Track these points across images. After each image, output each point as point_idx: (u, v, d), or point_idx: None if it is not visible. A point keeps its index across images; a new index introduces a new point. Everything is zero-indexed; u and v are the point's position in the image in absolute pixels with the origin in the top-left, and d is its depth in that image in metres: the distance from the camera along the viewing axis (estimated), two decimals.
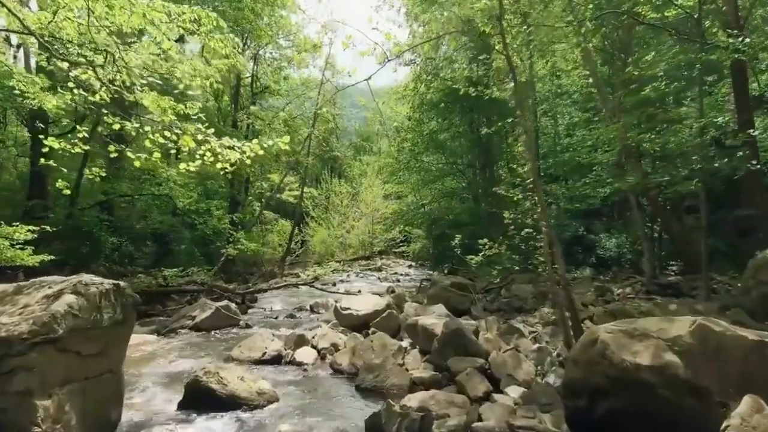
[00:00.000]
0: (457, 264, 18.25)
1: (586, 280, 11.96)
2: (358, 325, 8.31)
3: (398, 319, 8.32)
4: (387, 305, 8.63)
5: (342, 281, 19.53)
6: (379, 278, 19.99)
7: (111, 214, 17.07)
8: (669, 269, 12.17)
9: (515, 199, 6.79)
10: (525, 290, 10.64)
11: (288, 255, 26.39)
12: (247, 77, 26.38)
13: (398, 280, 19.42)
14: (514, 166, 9.94)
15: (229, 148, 4.16)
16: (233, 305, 9.97)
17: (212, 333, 9.00)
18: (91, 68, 4.03)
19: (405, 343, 7.36)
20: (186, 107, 4.56)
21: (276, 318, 11.58)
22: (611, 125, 8.88)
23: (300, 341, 7.36)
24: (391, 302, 9.27)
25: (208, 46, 5.26)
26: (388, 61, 6.02)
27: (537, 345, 6.17)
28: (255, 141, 4.27)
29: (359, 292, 15.65)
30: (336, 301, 13.25)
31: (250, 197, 28.16)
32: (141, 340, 8.20)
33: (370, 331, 7.84)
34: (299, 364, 6.71)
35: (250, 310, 12.79)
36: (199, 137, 4.10)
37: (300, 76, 29.92)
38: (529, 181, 6.35)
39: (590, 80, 15.23)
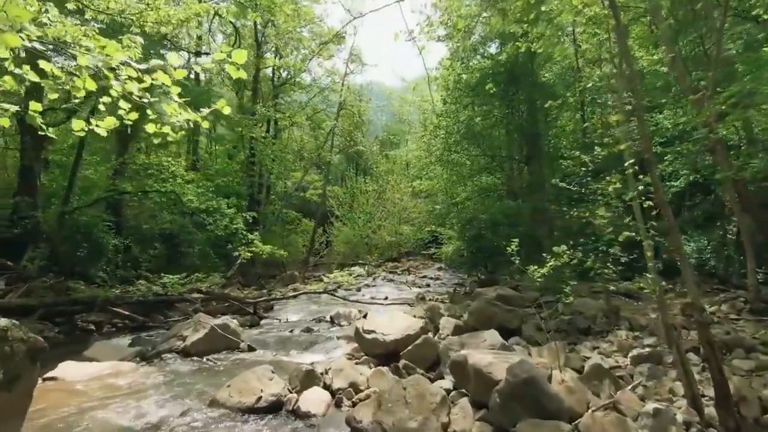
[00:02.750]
0: (493, 268, 16.38)
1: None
2: (385, 354, 6.48)
3: (436, 346, 6.44)
4: (422, 328, 6.76)
5: (367, 286, 17.93)
6: (407, 282, 18.19)
7: (118, 213, 15.70)
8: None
9: (609, 189, 4.90)
10: (590, 305, 8.64)
11: (310, 256, 24.87)
12: (267, 67, 24.89)
13: (428, 285, 17.72)
14: (577, 153, 8.03)
15: (137, 79, 2.38)
16: (234, 323, 8.22)
17: (204, 359, 7.25)
18: None
19: (447, 382, 5.51)
20: (122, 46, 2.74)
21: (291, 332, 10.05)
22: (710, 105, 6.83)
23: (308, 379, 5.54)
24: (426, 323, 7.42)
25: None
26: None
27: (651, 403, 4.21)
28: (175, 55, 2.46)
29: (386, 298, 14.12)
30: (360, 312, 11.59)
31: (273, 196, 26.72)
32: (114, 370, 6.54)
33: (400, 364, 5.99)
34: (305, 416, 4.90)
35: (262, 321, 11.31)
36: (100, 66, 2.33)
37: (324, 68, 28.47)
38: (627, 163, 4.45)
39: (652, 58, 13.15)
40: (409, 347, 6.28)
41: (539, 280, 5.42)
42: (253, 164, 22.54)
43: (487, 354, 5.01)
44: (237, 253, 14.79)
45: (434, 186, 18.52)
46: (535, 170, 14.34)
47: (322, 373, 5.88)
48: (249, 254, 14.96)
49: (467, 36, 12.11)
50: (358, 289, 16.48)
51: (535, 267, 5.53)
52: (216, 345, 7.56)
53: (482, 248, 15.08)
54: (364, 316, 11.48)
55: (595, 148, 7.99)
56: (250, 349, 7.85)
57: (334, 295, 13.32)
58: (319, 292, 13.72)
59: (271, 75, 26.69)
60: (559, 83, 15.62)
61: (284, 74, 26.98)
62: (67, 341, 9.26)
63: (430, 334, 7.80)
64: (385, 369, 5.80)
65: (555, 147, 15.67)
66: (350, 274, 16.64)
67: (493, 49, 16.13)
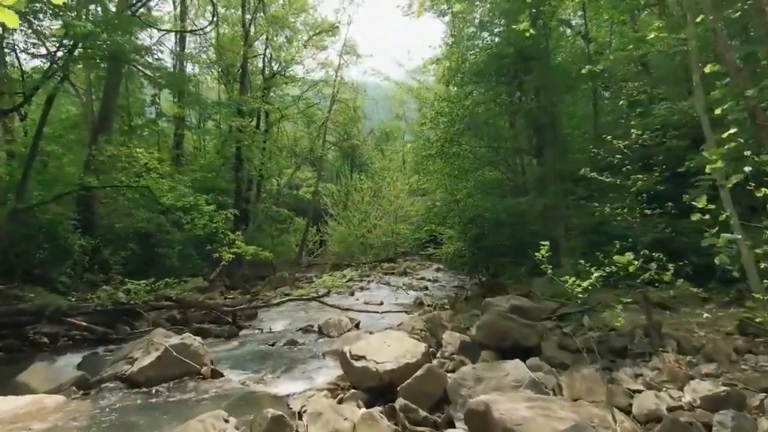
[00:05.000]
0: (495, 270, 15.07)
1: (695, 300, 8.47)
2: (378, 387, 5.05)
3: (443, 380, 5.00)
4: (424, 354, 5.35)
5: (361, 289, 16.72)
6: (403, 286, 16.89)
7: (91, 211, 14.33)
8: None
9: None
10: (624, 319, 7.23)
11: (302, 256, 23.71)
12: (255, 56, 23.59)
13: (426, 288, 16.50)
14: (605, 137, 6.78)
15: None
16: (196, 341, 6.74)
17: (154, 390, 5.80)
18: None
19: None
20: None
21: (272, 345, 8.87)
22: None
23: (275, 430, 4.15)
24: (427, 340, 6.07)
25: None
26: None
27: None
28: None
29: (381, 304, 12.94)
30: (351, 321, 10.28)
31: (264, 194, 25.40)
32: (35, 406, 5.12)
33: (397, 405, 4.56)
34: None
35: (242, 331, 10.11)
36: None
37: (317, 60, 27.25)
38: (726, 134, 3.13)
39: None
40: (409, 380, 4.86)
41: (581, 295, 4.08)
42: (240, 159, 21.19)
43: (519, 402, 3.63)
44: (216, 255, 13.43)
45: (433, 181, 17.18)
46: (547, 162, 12.97)
47: (295, 414, 4.52)
48: (231, 255, 13.60)
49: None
50: (352, 293, 15.32)
51: (574, 279, 4.20)
52: (171, 370, 6.13)
53: (484, 248, 13.83)
54: (356, 326, 10.23)
55: (633, 131, 6.72)
56: (215, 374, 6.43)
57: (324, 303, 11.98)
58: (308, 299, 12.36)
59: (261, 67, 25.35)
60: (575, 68, 14.33)
61: (275, 66, 25.65)
62: (6, 359, 7.88)
63: (432, 351, 6.51)
64: (377, 412, 4.36)
65: (570, 136, 14.40)
66: (343, 277, 15.37)
67: (497, 30, 14.83)
